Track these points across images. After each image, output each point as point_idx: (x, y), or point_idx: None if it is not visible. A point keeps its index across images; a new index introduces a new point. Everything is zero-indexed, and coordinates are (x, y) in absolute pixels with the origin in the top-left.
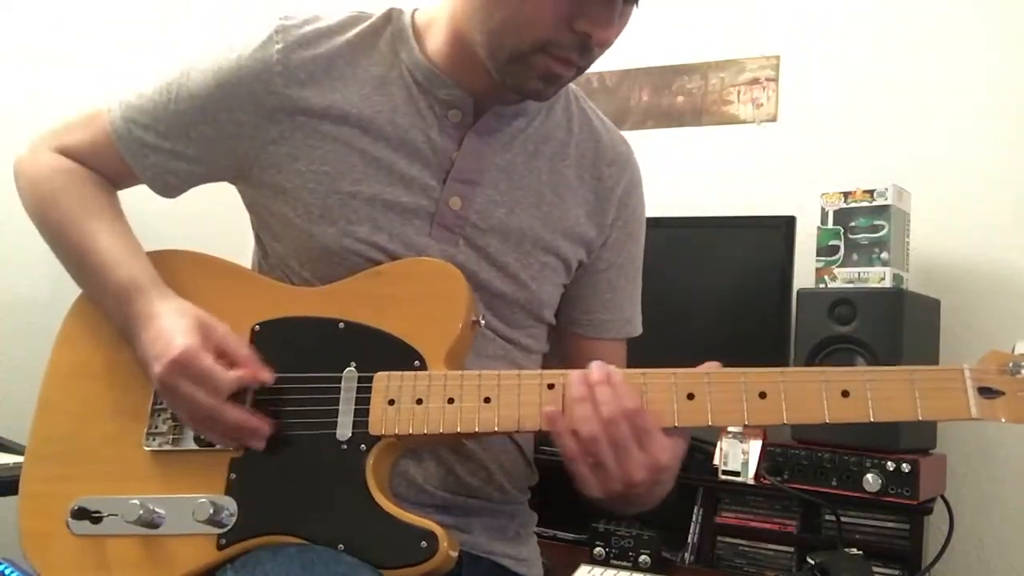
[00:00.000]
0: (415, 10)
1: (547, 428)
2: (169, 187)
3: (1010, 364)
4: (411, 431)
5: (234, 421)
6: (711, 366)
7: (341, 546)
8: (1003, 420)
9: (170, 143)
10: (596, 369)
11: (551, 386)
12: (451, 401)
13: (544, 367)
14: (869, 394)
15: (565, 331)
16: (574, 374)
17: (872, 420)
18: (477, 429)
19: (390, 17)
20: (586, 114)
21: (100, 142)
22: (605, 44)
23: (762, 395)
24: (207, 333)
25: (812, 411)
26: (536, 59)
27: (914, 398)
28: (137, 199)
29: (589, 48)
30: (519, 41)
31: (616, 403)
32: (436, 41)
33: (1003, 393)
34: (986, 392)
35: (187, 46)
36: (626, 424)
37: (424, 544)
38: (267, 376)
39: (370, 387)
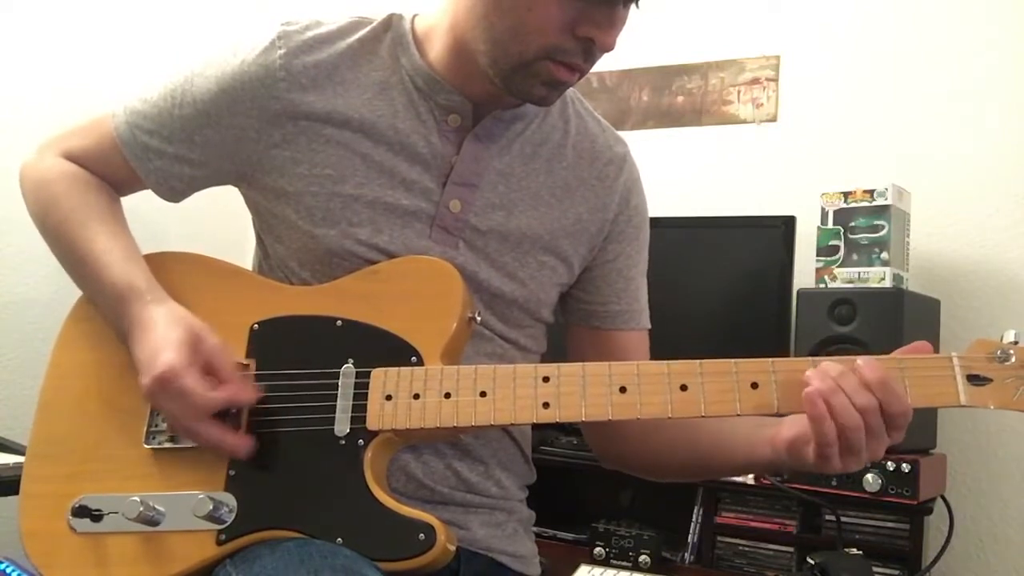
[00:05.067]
0: (415, 16)
1: (808, 410)
2: (174, 191)
3: (998, 352)
4: (408, 426)
5: (210, 440)
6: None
7: (339, 540)
8: (991, 407)
9: (174, 148)
10: (832, 364)
11: (546, 379)
12: (447, 395)
13: None
14: None
15: (584, 328)
16: (825, 364)
17: None
18: (473, 422)
19: (390, 23)
20: (582, 116)
21: (105, 147)
22: (608, 48)
23: (754, 385)
24: (196, 346)
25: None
26: (541, 66)
27: (904, 386)
28: (139, 200)
29: (592, 53)
30: (524, 49)
31: (868, 393)
32: (436, 48)
33: (991, 380)
34: (975, 379)
35: (188, 48)
36: (881, 413)
37: (422, 537)
38: (250, 396)
39: (367, 383)
